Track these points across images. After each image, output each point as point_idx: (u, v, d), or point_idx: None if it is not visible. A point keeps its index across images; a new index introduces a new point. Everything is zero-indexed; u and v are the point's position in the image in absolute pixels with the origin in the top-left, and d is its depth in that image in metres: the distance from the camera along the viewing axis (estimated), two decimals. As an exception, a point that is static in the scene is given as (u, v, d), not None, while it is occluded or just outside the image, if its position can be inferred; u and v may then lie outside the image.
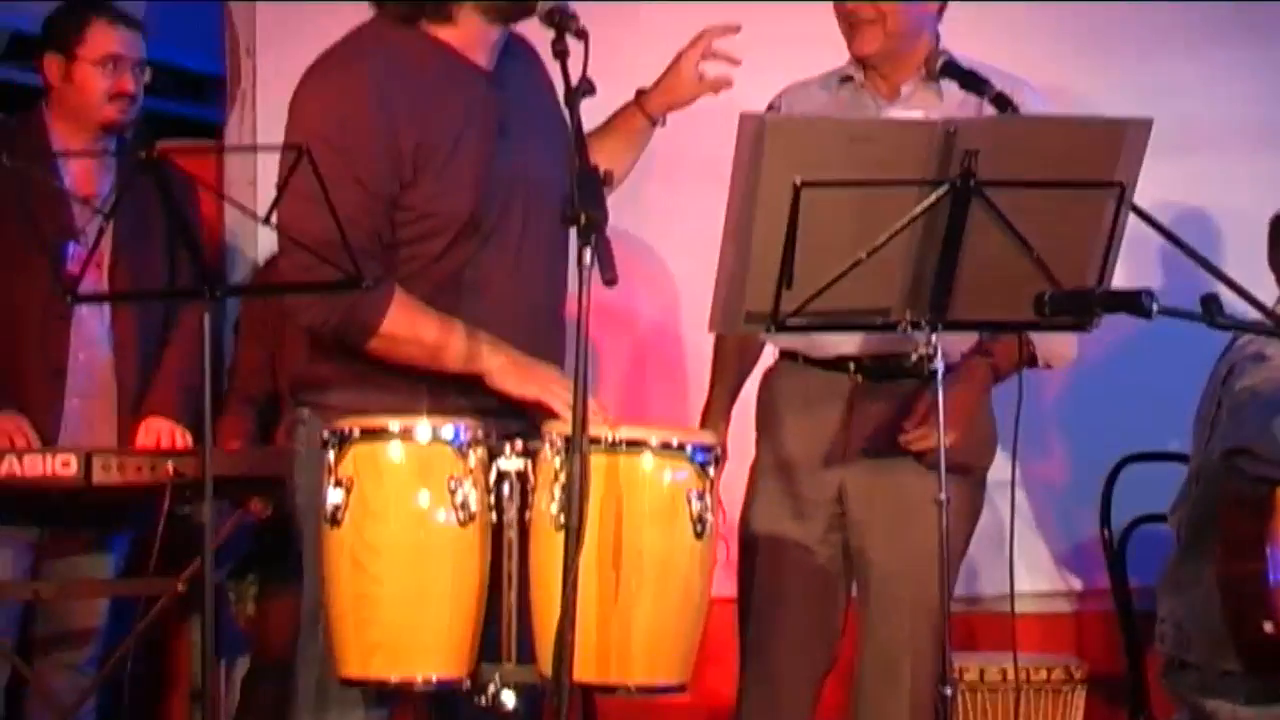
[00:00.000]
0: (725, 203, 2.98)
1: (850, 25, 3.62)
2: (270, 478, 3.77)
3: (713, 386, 3.82)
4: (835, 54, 3.67)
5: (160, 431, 4.08)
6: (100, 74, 4.12)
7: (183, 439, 4.09)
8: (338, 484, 2.97)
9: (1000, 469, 4.23)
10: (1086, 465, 4.37)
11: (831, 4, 3.63)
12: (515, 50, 3.30)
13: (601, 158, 3.28)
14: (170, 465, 3.79)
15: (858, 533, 3.63)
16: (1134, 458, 4.12)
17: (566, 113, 2.94)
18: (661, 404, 4.56)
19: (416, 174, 3.11)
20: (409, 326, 3.10)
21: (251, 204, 4.12)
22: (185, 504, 3.83)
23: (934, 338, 3.03)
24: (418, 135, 3.11)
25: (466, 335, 3.12)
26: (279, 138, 4.67)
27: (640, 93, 3.46)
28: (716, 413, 3.79)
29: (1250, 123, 4.73)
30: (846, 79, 3.71)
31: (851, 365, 3.62)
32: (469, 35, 3.21)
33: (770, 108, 3.72)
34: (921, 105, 3.63)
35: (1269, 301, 3.38)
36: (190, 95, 5.10)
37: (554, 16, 3.08)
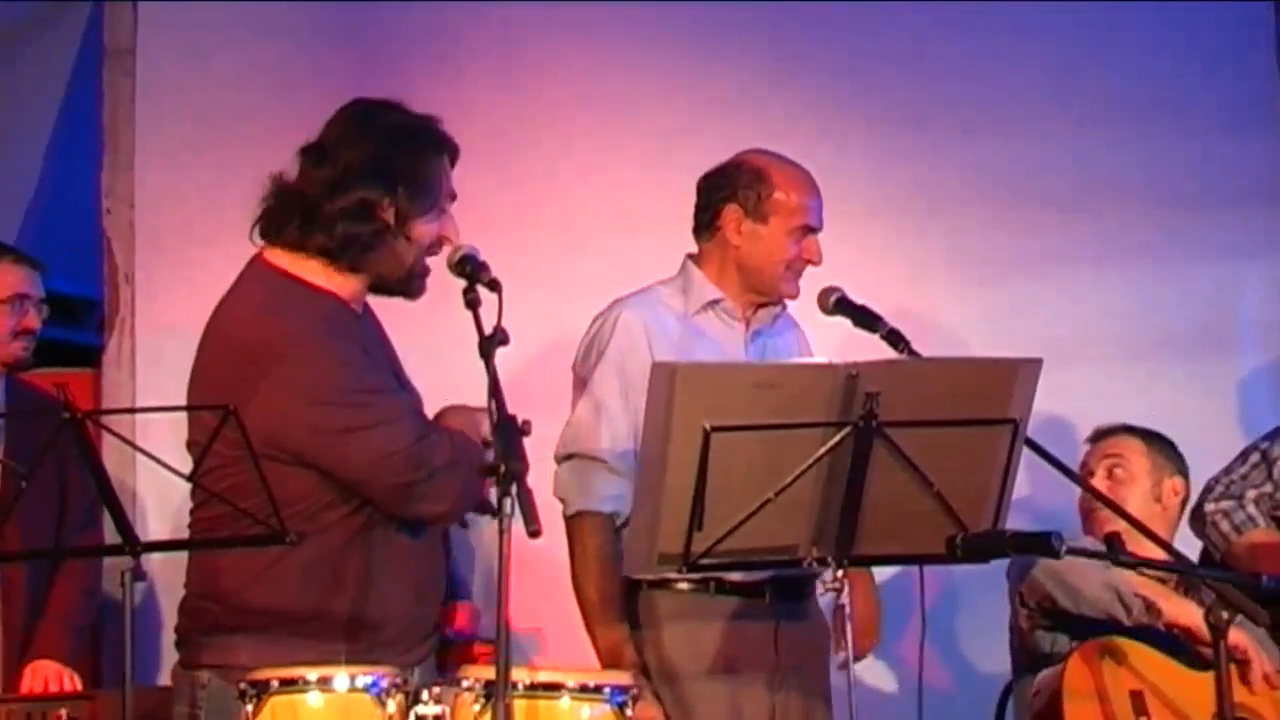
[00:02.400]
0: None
1: (795, 272, 3.77)
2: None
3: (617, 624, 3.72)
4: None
5: (49, 675, 4.01)
6: (6, 312, 4.17)
7: (71, 682, 4.02)
8: (256, 736, 2.97)
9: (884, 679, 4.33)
10: (977, 682, 4.46)
11: (783, 245, 3.76)
12: None
13: None
14: (63, 711, 3.71)
15: None
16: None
17: (483, 362, 3.01)
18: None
19: None
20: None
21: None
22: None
23: (840, 573, 3.11)
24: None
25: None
26: (158, 363, 4.87)
27: None
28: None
29: (1106, 336, 4.93)
30: (713, 303, 3.81)
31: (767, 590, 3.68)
32: (352, 290, 3.31)
33: (599, 322, 3.79)
34: (780, 329, 3.87)
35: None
36: (63, 319, 5.09)
37: (465, 266, 3.17)
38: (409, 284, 3.31)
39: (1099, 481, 4.02)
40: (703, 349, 3.74)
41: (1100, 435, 4.17)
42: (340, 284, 3.27)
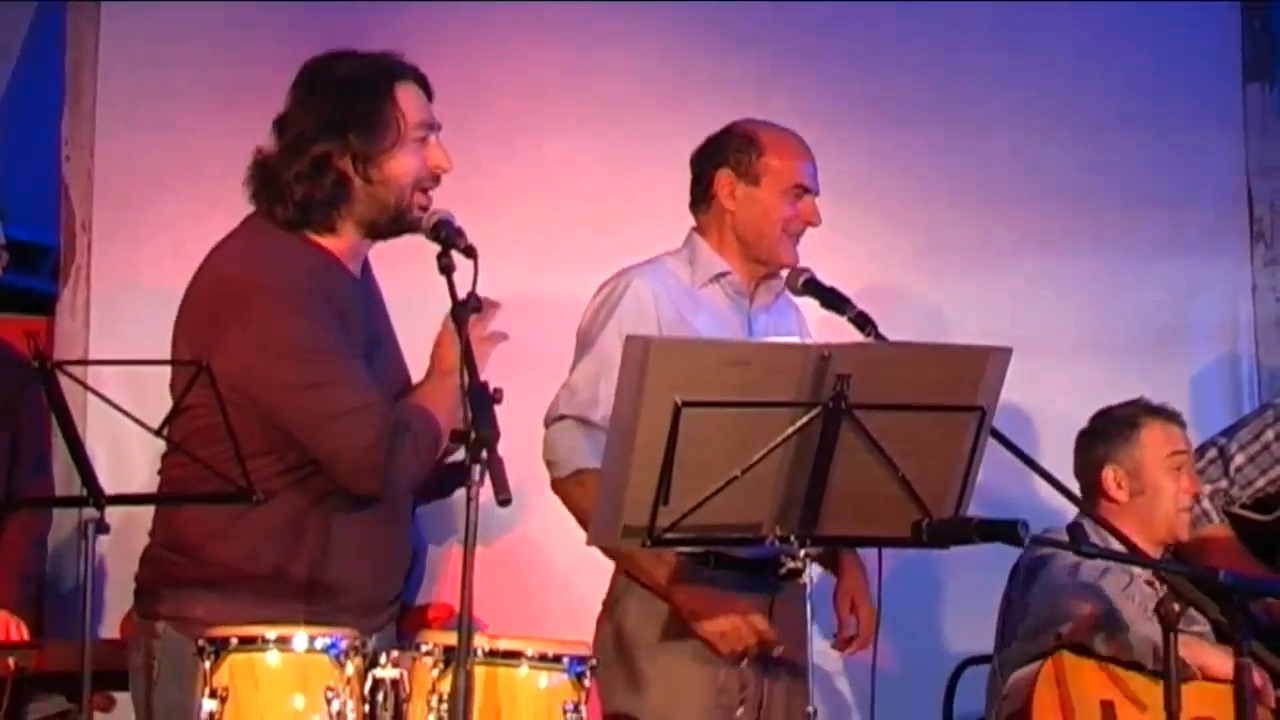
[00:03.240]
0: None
1: (793, 236, 3.78)
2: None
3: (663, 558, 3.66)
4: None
5: (-6, 624, 3.97)
6: None
7: (18, 631, 3.98)
8: (212, 694, 2.96)
9: (834, 659, 4.34)
10: (927, 665, 4.48)
11: (781, 210, 3.78)
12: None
13: None
14: (11, 660, 3.67)
15: None
16: (975, 660, 4.23)
17: (454, 327, 2.99)
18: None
19: None
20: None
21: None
22: (28, 701, 3.71)
23: (803, 552, 3.12)
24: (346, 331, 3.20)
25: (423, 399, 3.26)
26: (113, 311, 4.83)
27: None
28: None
29: (1065, 329, 4.97)
30: (719, 276, 3.81)
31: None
32: (346, 245, 3.28)
33: (609, 288, 3.79)
34: (780, 309, 3.88)
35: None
36: (17, 265, 5.03)
37: (440, 231, 3.16)
38: (402, 222, 3.25)
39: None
40: (707, 322, 3.75)
41: (1180, 421, 4.11)
42: (332, 241, 3.26)
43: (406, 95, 3.26)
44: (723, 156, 3.82)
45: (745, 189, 3.80)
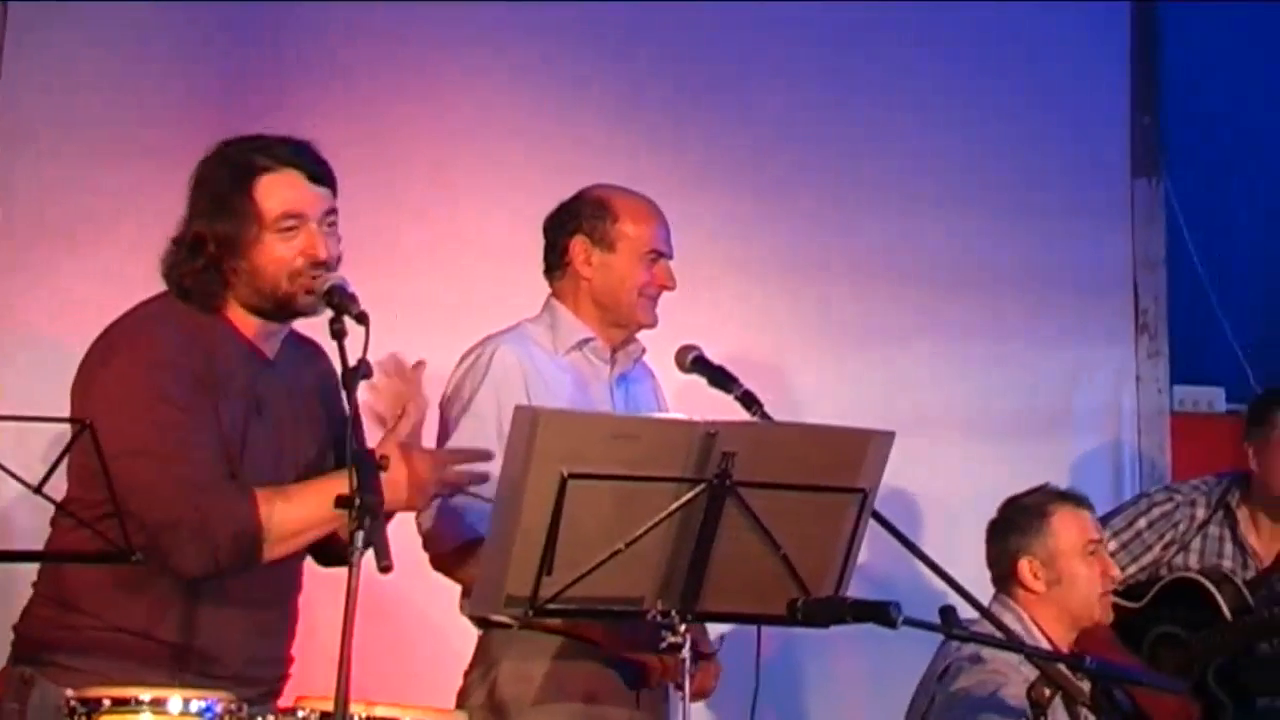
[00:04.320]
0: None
1: (650, 299, 3.81)
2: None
3: None
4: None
5: None
6: None
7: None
8: (83, 755, 2.93)
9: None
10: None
11: (637, 273, 3.79)
12: (298, 343, 3.42)
13: None
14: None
15: None
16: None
17: (343, 394, 3.00)
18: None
19: None
20: (284, 520, 3.14)
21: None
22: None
23: (683, 627, 3.15)
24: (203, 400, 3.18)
25: (314, 491, 3.18)
26: (10, 367, 4.76)
27: None
28: None
29: (950, 411, 5.05)
30: (583, 343, 3.83)
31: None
32: (246, 323, 3.30)
33: (475, 354, 3.77)
34: (637, 375, 3.92)
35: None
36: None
37: (333, 296, 3.16)
38: (287, 308, 3.27)
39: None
40: (572, 390, 3.75)
41: (1089, 506, 4.06)
42: (241, 320, 3.28)
43: (271, 186, 3.24)
44: (577, 223, 3.83)
45: (601, 255, 3.81)
